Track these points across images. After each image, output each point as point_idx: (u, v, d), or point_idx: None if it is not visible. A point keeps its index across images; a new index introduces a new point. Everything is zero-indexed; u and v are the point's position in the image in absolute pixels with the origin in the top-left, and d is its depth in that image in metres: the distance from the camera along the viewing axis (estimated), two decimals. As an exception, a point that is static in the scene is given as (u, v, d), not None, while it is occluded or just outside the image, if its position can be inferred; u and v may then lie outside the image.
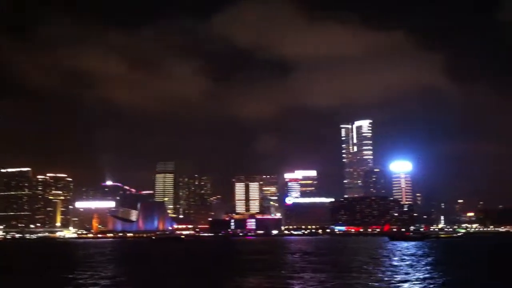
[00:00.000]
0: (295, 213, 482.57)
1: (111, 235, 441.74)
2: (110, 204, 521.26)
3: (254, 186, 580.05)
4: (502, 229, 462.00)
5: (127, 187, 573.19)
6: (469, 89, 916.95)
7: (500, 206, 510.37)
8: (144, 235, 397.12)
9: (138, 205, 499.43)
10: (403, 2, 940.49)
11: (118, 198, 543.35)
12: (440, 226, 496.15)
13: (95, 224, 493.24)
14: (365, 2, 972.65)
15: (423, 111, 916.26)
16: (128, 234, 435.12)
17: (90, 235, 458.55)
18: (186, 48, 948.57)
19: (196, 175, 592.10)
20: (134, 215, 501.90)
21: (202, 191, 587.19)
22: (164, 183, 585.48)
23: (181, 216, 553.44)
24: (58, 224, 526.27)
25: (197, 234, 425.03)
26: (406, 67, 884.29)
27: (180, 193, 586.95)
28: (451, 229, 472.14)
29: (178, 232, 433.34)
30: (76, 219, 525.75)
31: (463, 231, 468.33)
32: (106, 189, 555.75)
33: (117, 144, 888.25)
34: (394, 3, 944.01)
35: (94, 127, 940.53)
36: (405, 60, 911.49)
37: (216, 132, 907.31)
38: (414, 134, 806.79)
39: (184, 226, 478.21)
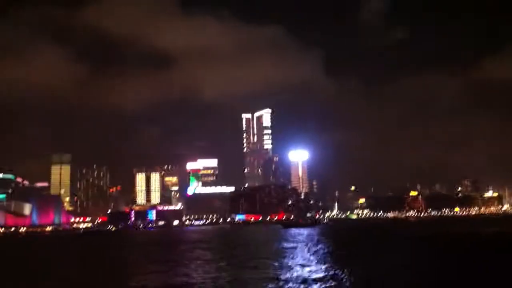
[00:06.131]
0: (196, 204, 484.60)
1: (2, 230, 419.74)
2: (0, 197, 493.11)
3: (155, 177, 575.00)
4: (390, 215, 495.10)
5: (19, 179, 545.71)
6: (343, 83, 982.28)
7: (390, 193, 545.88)
8: (39, 230, 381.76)
9: (32, 199, 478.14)
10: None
11: (9, 191, 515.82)
12: (334, 212, 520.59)
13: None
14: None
15: (312, 102, 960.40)
16: (21, 229, 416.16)
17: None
18: (56, 36, 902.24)
19: (94, 166, 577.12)
20: (27, 208, 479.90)
21: (101, 182, 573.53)
22: (60, 175, 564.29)
23: (78, 209, 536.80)
24: None
25: (96, 228, 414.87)
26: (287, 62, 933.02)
27: (78, 185, 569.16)
28: (343, 216, 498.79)
29: (75, 225, 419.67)
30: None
31: (355, 217, 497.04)
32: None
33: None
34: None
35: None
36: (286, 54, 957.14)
37: (102, 122, 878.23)
38: (308, 124, 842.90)
39: (81, 219, 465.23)
